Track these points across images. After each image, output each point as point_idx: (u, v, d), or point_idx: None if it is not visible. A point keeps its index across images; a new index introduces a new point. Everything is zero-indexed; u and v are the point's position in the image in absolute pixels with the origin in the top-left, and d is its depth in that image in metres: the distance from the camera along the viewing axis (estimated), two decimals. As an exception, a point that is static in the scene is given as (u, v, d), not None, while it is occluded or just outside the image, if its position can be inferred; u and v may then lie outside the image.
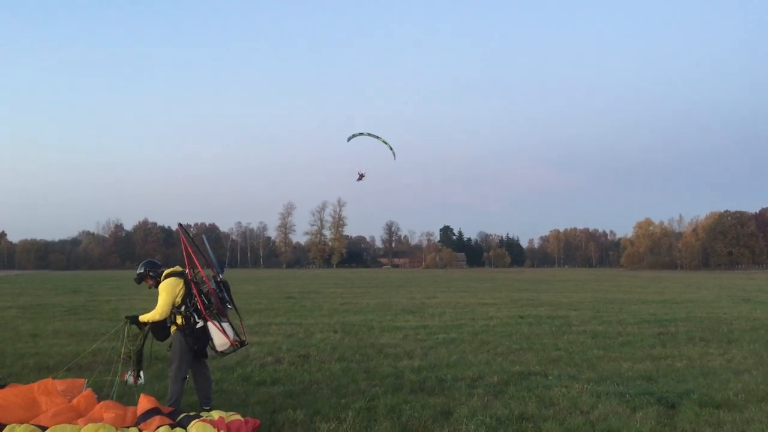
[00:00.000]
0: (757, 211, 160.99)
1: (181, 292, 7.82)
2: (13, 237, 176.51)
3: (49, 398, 7.35)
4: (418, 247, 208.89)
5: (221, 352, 8.00)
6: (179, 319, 7.83)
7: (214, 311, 7.86)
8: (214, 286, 7.95)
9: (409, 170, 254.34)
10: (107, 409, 6.99)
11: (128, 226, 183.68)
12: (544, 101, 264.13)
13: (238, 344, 8.05)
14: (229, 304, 8.09)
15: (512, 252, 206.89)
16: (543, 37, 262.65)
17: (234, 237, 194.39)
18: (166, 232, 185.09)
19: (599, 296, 34.79)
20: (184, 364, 7.88)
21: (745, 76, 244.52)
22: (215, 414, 7.11)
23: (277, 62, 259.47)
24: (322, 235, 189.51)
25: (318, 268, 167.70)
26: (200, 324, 7.80)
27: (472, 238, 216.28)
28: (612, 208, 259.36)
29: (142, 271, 8.25)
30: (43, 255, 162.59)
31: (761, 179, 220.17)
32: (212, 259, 8.28)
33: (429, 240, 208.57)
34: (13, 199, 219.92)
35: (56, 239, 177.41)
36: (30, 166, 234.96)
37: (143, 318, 7.93)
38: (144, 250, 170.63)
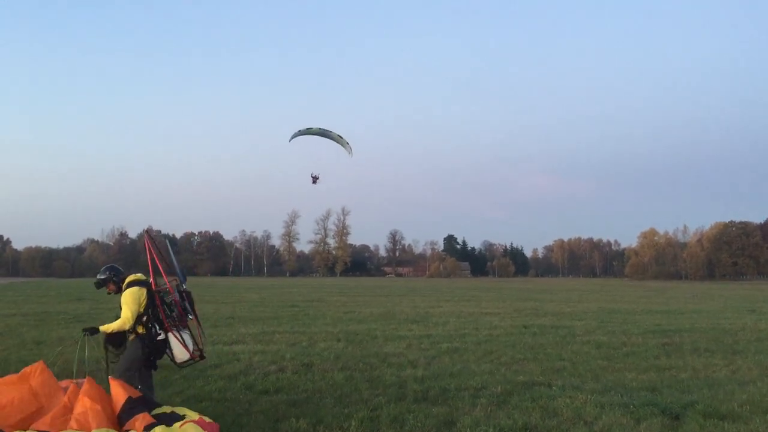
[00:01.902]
0: (762, 222, 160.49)
1: (144, 302, 7.68)
2: (18, 244, 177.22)
3: (44, 381, 7.02)
4: (421, 256, 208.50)
5: (180, 363, 7.92)
6: (140, 328, 7.69)
7: (176, 322, 7.74)
8: (177, 297, 7.84)
9: (413, 179, 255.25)
10: (92, 399, 6.74)
11: (132, 233, 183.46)
12: (548, 108, 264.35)
13: (198, 357, 7.96)
14: (191, 315, 7.99)
15: (516, 261, 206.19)
16: (546, 44, 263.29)
17: (238, 245, 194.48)
18: (170, 240, 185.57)
19: (603, 306, 34.69)
20: (133, 371, 7.73)
21: (751, 84, 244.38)
22: (191, 414, 6.94)
23: (277, 67, 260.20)
24: (326, 243, 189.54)
25: (322, 277, 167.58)
26: (161, 336, 7.68)
27: (476, 247, 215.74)
28: (616, 217, 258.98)
29: (105, 276, 8.06)
30: (48, 262, 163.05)
31: (766, 189, 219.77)
32: (176, 268, 8.17)
33: (433, 249, 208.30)
34: (17, 206, 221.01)
35: (61, 247, 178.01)
36: (34, 174, 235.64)
37: (105, 328, 7.72)
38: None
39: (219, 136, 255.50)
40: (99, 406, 6.66)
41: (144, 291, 7.71)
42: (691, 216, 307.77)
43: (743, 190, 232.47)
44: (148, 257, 7.97)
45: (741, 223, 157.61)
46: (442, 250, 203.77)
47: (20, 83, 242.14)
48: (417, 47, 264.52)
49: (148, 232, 8.34)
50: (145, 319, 7.68)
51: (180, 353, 7.76)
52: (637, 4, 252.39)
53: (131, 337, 7.79)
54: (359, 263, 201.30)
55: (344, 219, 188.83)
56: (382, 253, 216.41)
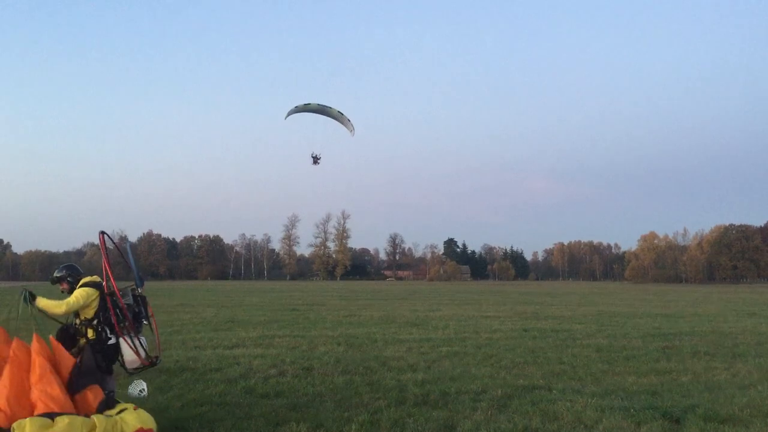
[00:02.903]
0: (762, 225, 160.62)
1: (95, 304, 7.57)
2: (18, 248, 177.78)
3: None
4: (421, 260, 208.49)
5: (130, 369, 7.81)
6: (90, 333, 7.56)
7: (127, 327, 7.61)
8: (131, 301, 7.76)
9: (413, 181, 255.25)
10: (46, 358, 6.68)
11: (133, 237, 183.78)
12: (549, 110, 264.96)
13: (149, 363, 7.82)
14: (145, 320, 7.89)
15: (516, 265, 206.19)
16: (547, 45, 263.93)
17: (238, 249, 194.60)
18: (171, 243, 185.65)
19: (603, 310, 34.66)
20: (101, 374, 7.55)
21: (751, 88, 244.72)
22: (126, 405, 6.98)
23: (277, 67, 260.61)
24: (326, 247, 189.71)
25: (322, 281, 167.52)
26: (112, 340, 7.57)
27: (476, 250, 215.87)
28: (616, 221, 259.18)
29: (61, 274, 7.92)
30: (48, 266, 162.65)
31: (766, 193, 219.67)
32: (134, 271, 8.07)
33: (433, 252, 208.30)
34: (17, 210, 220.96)
35: (61, 250, 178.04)
36: (34, 178, 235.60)
37: (41, 303, 7.34)
38: (148, 261, 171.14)
39: (219, 139, 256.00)
40: (54, 374, 6.57)
41: (96, 293, 7.60)
42: (691, 219, 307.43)
43: (743, 193, 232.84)
44: (104, 260, 7.74)
45: (741, 226, 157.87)
46: (442, 254, 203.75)
47: (20, 84, 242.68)
48: (417, 47, 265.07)
49: (103, 234, 8.09)
50: (95, 323, 7.57)
51: (130, 359, 7.66)
52: (637, 4, 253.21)
53: (82, 341, 7.63)
54: (359, 267, 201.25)
55: (344, 222, 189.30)
56: (382, 256, 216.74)
